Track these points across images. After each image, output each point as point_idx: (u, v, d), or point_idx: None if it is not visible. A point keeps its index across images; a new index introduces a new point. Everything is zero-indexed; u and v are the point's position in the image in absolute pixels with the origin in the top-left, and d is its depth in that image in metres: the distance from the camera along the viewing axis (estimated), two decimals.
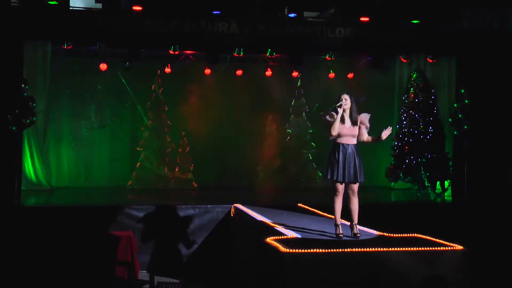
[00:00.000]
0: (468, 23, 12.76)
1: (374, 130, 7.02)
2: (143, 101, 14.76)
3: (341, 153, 6.75)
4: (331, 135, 6.79)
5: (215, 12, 12.09)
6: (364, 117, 6.88)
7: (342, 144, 6.77)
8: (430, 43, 12.93)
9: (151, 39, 12.27)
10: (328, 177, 6.80)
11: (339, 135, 6.77)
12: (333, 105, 6.92)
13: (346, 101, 6.78)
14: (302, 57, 13.24)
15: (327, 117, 6.84)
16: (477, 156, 12.52)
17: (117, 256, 8.85)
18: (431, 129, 13.26)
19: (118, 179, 14.53)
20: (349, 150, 6.77)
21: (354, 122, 6.81)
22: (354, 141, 6.82)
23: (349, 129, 6.78)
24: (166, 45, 12.81)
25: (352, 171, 6.74)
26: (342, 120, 6.78)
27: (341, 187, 6.79)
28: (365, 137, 6.88)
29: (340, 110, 6.73)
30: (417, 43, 12.94)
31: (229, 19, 12.12)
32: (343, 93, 6.86)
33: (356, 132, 6.82)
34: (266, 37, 12.26)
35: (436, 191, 13.32)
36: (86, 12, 12.00)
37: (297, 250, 5.93)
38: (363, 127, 6.85)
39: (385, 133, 6.81)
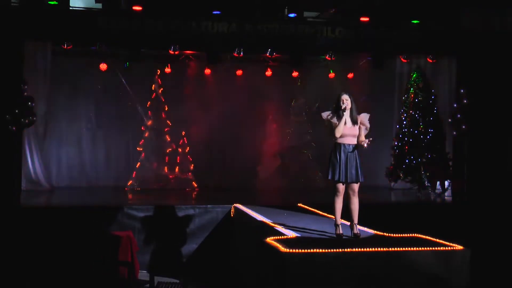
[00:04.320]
0: (468, 23, 12.75)
1: (375, 130, 7.01)
2: (143, 101, 14.76)
3: (342, 153, 6.75)
4: (335, 137, 6.78)
5: (215, 12, 12.08)
6: (364, 117, 6.87)
7: (343, 144, 6.77)
8: (430, 43, 12.92)
9: (151, 39, 12.26)
10: (330, 177, 6.79)
11: (340, 135, 6.78)
12: (333, 105, 6.92)
13: (347, 101, 6.78)
14: (302, 57, 13.24)
15: (329, 117, 6.84)
16: (477, 156, 12.52)
17: (118, 256, 8.85)
18: (431, 129, 13.27)
19: (118, 179, 14.53)
20: (350, 150, 6.77)
21: (354, 122, 6.81)
22: (354, 141, 6.81)
23: (350, 129, 6.78)
24: (166, 45, 12.80)
25: (353, 171, 6.74)
26: (341, 120, 6.78)
27: (342, 187, 6.79)
28: (362, 138, 6.87)
29: (345, 114, 6.73)
30: (417, 43, 12.94)
31: (229, 19, 12.12)
32: (343, 94, 6.85)
33: (357, 132, 6.81)
34: (266, 37, 12.24)
35: (436, 191, 13.32)
36: (86, 12, 11.99)
37: (297, 250, 5.93)
38: (363, 127, 6.85)
39: (367, 143, 6.76)
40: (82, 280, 8.76)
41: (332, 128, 6.80)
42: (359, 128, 6.82)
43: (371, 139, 6.75)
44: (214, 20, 12.05)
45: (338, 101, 6.80)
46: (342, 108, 6.74)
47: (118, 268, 8.71)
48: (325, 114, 6.90)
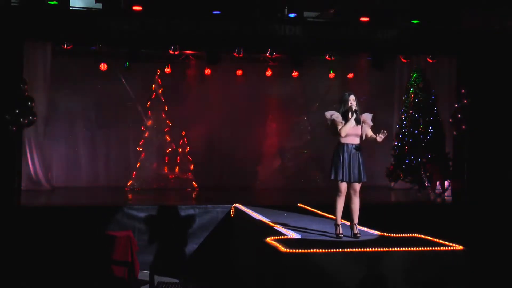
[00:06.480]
0: (468, 23, 12.75)
1: (375, 130, 7.00)
2: (143, 101, 14.76)
3: (345, 153, 6.76)
4: (339, 136, 6.79)
5: (215, 12, 12.07)
6: (367, 117, 6.90)
7: (346, 144, 6.78)
8: (430, 43, 12.91)
9: (151, 39, 12.25)
10: (333, 177, 6.80)
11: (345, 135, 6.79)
12: (341, 105, 6.91)
13: (354, 102, 6.81)
14: (302, 57, 13.24)
15: (334, 117, 6.83)
16: (477, 156, 12.51)
17: (116, 256, 8.85)
18: (431, 129, 13.27)
19: (118, 179, 14.52)
20: (353, 150, 6.77)
21: (357, 122, 6.82)
22: (357, 140, 6.82)
23: (353, 129, 6.79)
24: (166, 45, 12.79)
25: (356, 171, 6.75)
26: (347, 120, 6.79)
27: (344, 187, 6.80)
28: (369, 133, 6.88)
29: (353, 115, 6.74)
30: (417, 43, 12.93)
31: (229, 19, 12.11)
32: (351, 94, 6.86)
33: (360, 132, 6.83)
34: (266, 37, 12.24)
35: (436, 191, 13.32)
36: (86, 12, 11.98)
37: (297, 250, 5.93)
38: (365, 125, 6.86)
39: (380, 136, 6.77)
40: (79, 280, 8.77)
41: (335, 127, 6.81)
42: (362, 126, 6.84)
43: (385, 131, 6.75)
44: (214, 20, 12.04)
45: (346, 101, 6.81)
46: (353, 109, 6.75)
47: (112, 268, 8.71)
48: (329, 114, 6.89)
